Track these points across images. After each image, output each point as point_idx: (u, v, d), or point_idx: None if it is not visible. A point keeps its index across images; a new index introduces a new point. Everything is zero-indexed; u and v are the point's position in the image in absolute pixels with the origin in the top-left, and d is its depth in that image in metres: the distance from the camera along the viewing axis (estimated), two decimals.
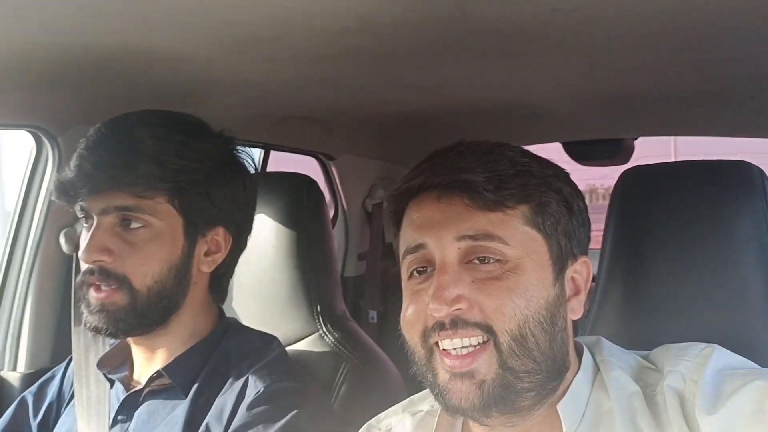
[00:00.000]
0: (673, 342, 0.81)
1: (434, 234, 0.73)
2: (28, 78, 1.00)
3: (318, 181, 1.28)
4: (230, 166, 1.03)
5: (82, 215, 0.97)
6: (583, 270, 0.79)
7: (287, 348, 1.11)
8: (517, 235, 0.73)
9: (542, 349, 0.72)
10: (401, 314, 0.76)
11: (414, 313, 0.74)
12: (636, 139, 2.03)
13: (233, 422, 0.92)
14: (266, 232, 1.16)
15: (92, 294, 0.95)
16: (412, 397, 0.91)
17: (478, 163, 0.73)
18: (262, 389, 0.94)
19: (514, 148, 0.78)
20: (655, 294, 0.90)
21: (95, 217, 0.95)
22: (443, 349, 0.71)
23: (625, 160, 2.05)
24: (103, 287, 0.94)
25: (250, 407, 0.92)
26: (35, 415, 1.06)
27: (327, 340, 1.16)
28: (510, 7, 0.82)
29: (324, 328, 1.17)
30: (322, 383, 1.09)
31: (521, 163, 0.75)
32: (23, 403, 1.08)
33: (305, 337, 1.17)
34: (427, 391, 0.89)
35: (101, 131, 0.96)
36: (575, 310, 0.78)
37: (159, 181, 0.94)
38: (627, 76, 1.29)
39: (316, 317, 1.18)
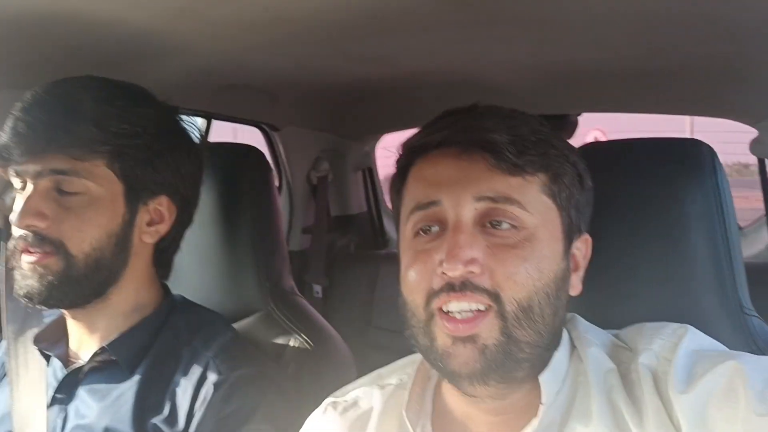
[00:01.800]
0: (623, 318, 0.81)
1: (451, 191, 0.71)
2: None
3: None
4: (173, 134, 0.98)
5: (17, 181, 0.91)
6: (583, 247, 0.79)
7: (235, 324, 1.08)
8: (535, 203, 0.71)
9: (546, 321, 0.71)
10: (402, 275, 0.74)
11: (419, 273, 0.71)
12: (579, 115, 2.06)
13: (195, 411, 0.90)
14: (211, 205, 1.11)
15: (24, 259, 0.90)
16: (379, 370, 0.89)
17: (502, 125, 0.71)
18: (224, 377, 0.92)
19: (532, 116, 0.76)
20: (609, 271, 0.90)
21: (29, 182, 0.90)
22: (447, 312, 0.69)
23: (569, 137, 2.07)
24: (36, 251, 0.89)
25: (214, 397, 0.90)
26: None
27: (275, 316, 1.13)
28: None
29: (272, 304, 1.14)
30: (271, 360, 1.06)
31: (541, 132, 0.74)
32: None
33: (253, 314, 1.14)
34: (395, 364, 0.88)
35: (38, 93, 0.90)
36: (574, 285, 0.77)
37: (98, 143, 0.89)
38: (575, 52, 1.29)
39: (264, 294, 1.14)
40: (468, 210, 0.70)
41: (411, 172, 0.76)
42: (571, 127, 2.08)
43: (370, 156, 2.40)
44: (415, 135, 0.77)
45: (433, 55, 1.29)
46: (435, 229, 0.72)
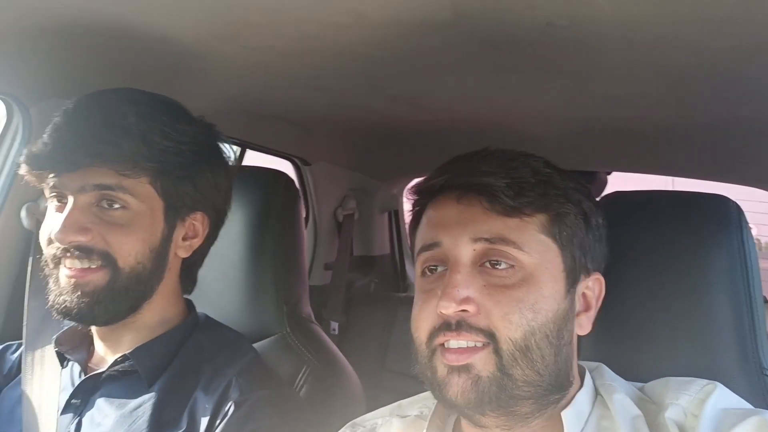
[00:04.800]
0: (641, 369, 0.81)
1: (450, 233, 0.74)
2: (5, 42, 0.97)
3: None
4: (213, 151, 1.00)
5: (53, 193, 0.91)
6: (595, 287, 0.80)
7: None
8: (533, 242, 0.74)
9: (547, 362, 0.72)
10: (412, 312, 0.77)
11: (423, 312, 0.74)
12: (610, 173, 2.06)
13: (214, 428, 0.89)
14: (238, 225, 1.14)
15: (64, 272, 0.89)
16: (399, 401, 0.90)
17: (500, 169, 0.74)
18: (246, 396, 0.91)
19: (537, 158, 0.79)
20: (628, 322, 0.90)
21: (70, 196, 0.89)
22: (446, 347, 0.72)
23: (597, 195, 2.07)
24: (82, 265, 0.88)
25: (234, 415, 0.89)
26: None
27: (290, 340, 1.14)
28: (507, 14, 0.83)
29: (288, 328, 1.15)
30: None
31: (543, 173, 0.76)
32: None
33: (269, 336, 1.15)
34: (416, 397, 0.90)
35: (81, 104, 0.91)
36: (583, 325, 0.78)
37: (145, 159, 0.89)
38: (607, 107, 1.31)
39: (281, 317, 1.15)
40: (466, 251, 0.73)
41: (423, 215, 0.80)
42: (600, 185, 2.08)
43: (397, 198, 2.42)
44: (424, 179, 0.81)
45: (464, 100, 1.32)
46: (440, 269, 0.76)
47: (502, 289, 0.71)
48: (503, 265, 0.73)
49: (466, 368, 0.70)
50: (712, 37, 0.87)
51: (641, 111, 1.31)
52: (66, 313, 0.89)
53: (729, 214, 0.92)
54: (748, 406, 0.76)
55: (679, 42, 0.89)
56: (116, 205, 0.90)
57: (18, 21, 0.91)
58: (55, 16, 0.90)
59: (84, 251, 0.88)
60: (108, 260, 0.89)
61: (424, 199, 0.81)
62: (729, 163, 1.67)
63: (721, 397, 0.74)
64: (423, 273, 0.77)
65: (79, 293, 0.88)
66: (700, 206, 0.94)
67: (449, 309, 0.70)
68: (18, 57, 1.02)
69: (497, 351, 0.70)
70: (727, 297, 0.89)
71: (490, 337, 0.70)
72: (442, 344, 0.72)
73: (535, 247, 0.73)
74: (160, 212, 0.94)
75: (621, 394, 0.76)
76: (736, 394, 0.77)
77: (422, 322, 0.74)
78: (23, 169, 0.90)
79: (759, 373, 0.88)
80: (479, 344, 0.70)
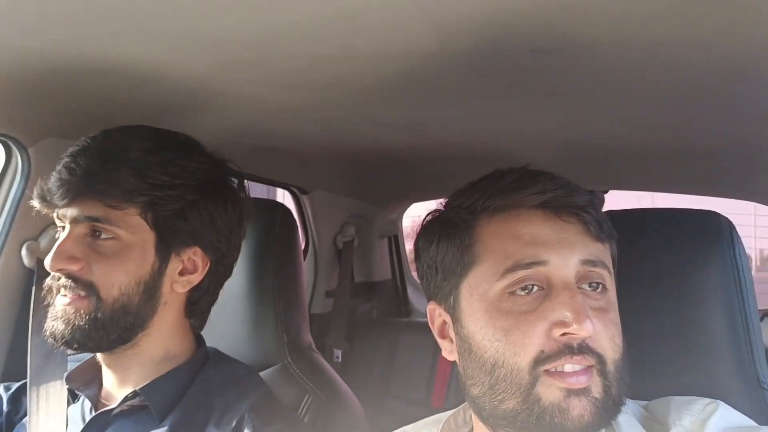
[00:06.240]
0: (639, 388, 0.81)
1: (558, 252, 0.71)
2: (3, 84, 0.99)
3: None
4: (213, 187, 0.99)
5: (60, 224, 0.95)
6: None
7: None
8: (611, 268, 0.76)
9: (627, 382, 0.73)
10: (489, 336, 0.72)
11: (526, 336, 0.70)
12: (606, 192, 2.07)
13: None
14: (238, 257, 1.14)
15: (58, 299, 0.92)
16: (404, 428, 0.89)
17: (583, 191, 0.76)
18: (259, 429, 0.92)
19: None
20: (626, 341, 0.90)
21: (67, 225, 0.93)
22: (558, 372, 0.69)
23: None
24: (70, 294, 0.91)
25: None
26: None
27: (292, 370, 1.14)
28: (489, 44, 0.84)
29: (289, 357, 1.15)
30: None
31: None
32: None
33: (270, 366, 1.15)
34: (421, 422, 0.89)
35: (88, 140, 0.94)
36: None
37: (132, 193, 0.91)
38: (602, 127, 1.32)
39: (282, 347, 1.15)
40: (573, 272, 0.72)
41: (487, 228, 0.75)
42: (598, 204, 2.09)
43: (396, 224, 2.43)
44: (492, 192, 0.76)
45: (459, 125, 1.33)
46: (536, 289, 0.71)
47: (603, 312, 0.72)
48: (599, 288, 0.73)
49: (586, 391, 0.69)
50: (699, 56, 0.88)
51: (635, 130, 1.32)
52: (54, 337, 0.92)
53: (721, 228, 0.93)
54: (751, 423, 0.76)
55: (665, 62, 0.91)
56: (105, 236, 0.92)
57: (13, 63, 0.93)
58: (49, 57, 0.92)
59: (72, 279, 0.91)
60: (91, 290, 0.91)
61: (481, 212, 0.76)
62: (723, 179, 1.68)
63: (723, 416, 0.74)
64: (513, 293, 0.72)
65: (66, 318, 0.91)
66: (691, 222, 0.95)
67: (587, 332, 0.68)
68: (14, 98, 1.04)
69: (603, 373, 0.70)
70: (722, 312, 0.89)
71: (598, 358, 0.70)
72: (548, 369, 0.69)
73: (611, 272, 0.76)
74: (151, 244, 0.94)
75: (628, 415, 0.76)
76: (736, 409, 0.77)
77: (527, 346, 0.69)
78: (35, 203, 0.94)
79: (757, 387, 0.89)
80: (590, 367, 0.69)
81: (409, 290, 2.49)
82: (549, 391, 0.69)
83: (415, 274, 2.47)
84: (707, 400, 0.76)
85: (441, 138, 1.44)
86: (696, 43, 0.83)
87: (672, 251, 0.93)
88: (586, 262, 0.72)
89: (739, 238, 0.92)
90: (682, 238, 0.93)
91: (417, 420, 0.90)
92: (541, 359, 0.69)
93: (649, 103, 1.12)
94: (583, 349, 0.68)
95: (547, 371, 0.69)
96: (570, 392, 0.68)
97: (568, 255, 0.71)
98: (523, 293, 0.72)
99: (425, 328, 0.84)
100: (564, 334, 0.68)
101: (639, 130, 1.31)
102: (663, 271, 0.92)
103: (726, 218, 0.94)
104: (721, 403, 0.76)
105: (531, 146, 1.49)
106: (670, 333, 0.90)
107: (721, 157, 1.47)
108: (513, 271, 0.72)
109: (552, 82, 1.02)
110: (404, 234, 2.51)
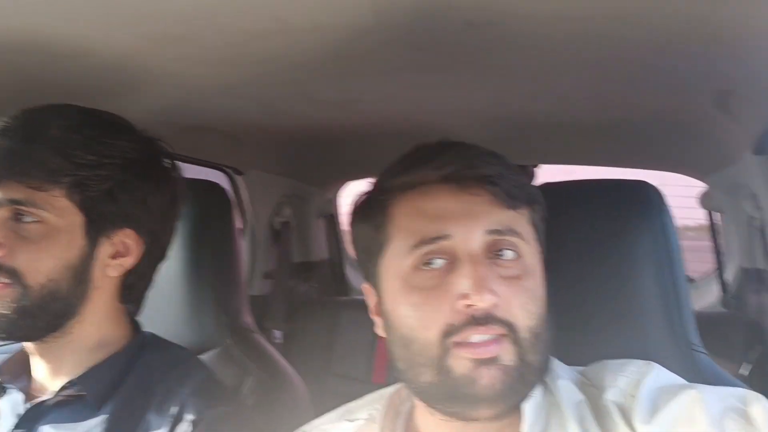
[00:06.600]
0: (574, 354, 0.84)
1: (461, 225, 0.72)
2: None
3: None
4: (144, 166, 0.95)
5: None
6: None
7: None
8: (527, 234, 0.76)
9: (548, 346, 0.74)
10: (402, 313, 0.73)
11: (434, 309, 0.71)
12: (537, 166, 2.12)
13: None
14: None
15: None
16: (347, 405, 0.89)
17: (494, 160, 0.75)
18: (202, 416, 0.89)
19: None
20: (562, 309, 0.93)
21: None
22: (466, 343, 0.70)
23: None
24: None
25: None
26: None
27: (233, 352, 1.12)
28: (426, 16, 0.84)
29: (230, 339, 1.14)
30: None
31: (515, 169, 0.78)
32: None
33: (210, 349, 1.13)
34: (363, 399, 0.89)
35: (7, 121, 0.90)
36: None
37: (57, 174, 0.88)
38: (531, 102, 1.34)
39: (222, 329, 1.14)
40: (479, 243, 0.72)
41: (397, 207, 0.76)
42: (529, 177, 2.13)
43: (332, 203, 2.42)
44: (401, 169, 0.78)
45: (393, 102, 1.33)
46: (439, 262, 0.73)
47: (514, 280, 0.72)
48: (510, 255, 0.73)
49: (494, 360, 0.70)
50: (625, 31, 0.90)
51: (564, 105, 1.35)
52: None
53: (649, 197, 0.96)
54: (683, 382, 0.79)
55: (593, 37, 0.93)
56: (29, 220, 0.88)
57: None
58: None
59: None
60: (16, 277, 0.87)
61: (395, 190, 0.77)
62: (649, 150, 1.74)
63: (657, 376, 0.77)
64: (420, 269, 0.73)
65: None
66: (622, 192, 0.98)
67: (486, 302, 0.68)
68: None
69: (516, 341, 0.70)
70: (653, 278, 0.93)
71: (509, 327, 0.70)
72: (456, 341, 0.70)
73: (529, 238, 0.76)
74: (79, 227, 0.91)
75: (565, 380, 0.78)
76: (670, 371, 0.80)
77: (433, 321, 0.70)
78: None
79: (688, 348, 0.93)
80: (501, 335, 0.70)
81: (347, 269, 2.50)
82: (459, 363, 0.70)
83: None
84: (641, 362, 0.79)
85: (376, 115, 1.44)
86: (623, 17, 0.85)
87: (603, 219, 0.96)
88: (493, 232, 0.73)
89: (667, 206, 0.96)
90: (613, 207, 0.97)
91: (360, 397, 0.90)
92: (449, 332, 0.70)
93: (576, 77, 1.14)
94: (488, 319, 0.69)
95: (456, 343, 0.70)
96: (479, 362, 0.69)
97: (473, 226, 0.72)
98: (426, 268, 0.73)
99: (364, 306, 0.85)
100: (468, 306, 0.69)
101: (566, 104, 1.34)
102: (595, 239, 0.95)
103: (654, 186, 0.97)
104: (655, 365, 0.79)
105: (462, 122, 1.50)
106: (604, 300, 0.93)
107: (648, 129, 1.52)
108: (419, 247, 0.73)
109: (484, 57, 1.03)
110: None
